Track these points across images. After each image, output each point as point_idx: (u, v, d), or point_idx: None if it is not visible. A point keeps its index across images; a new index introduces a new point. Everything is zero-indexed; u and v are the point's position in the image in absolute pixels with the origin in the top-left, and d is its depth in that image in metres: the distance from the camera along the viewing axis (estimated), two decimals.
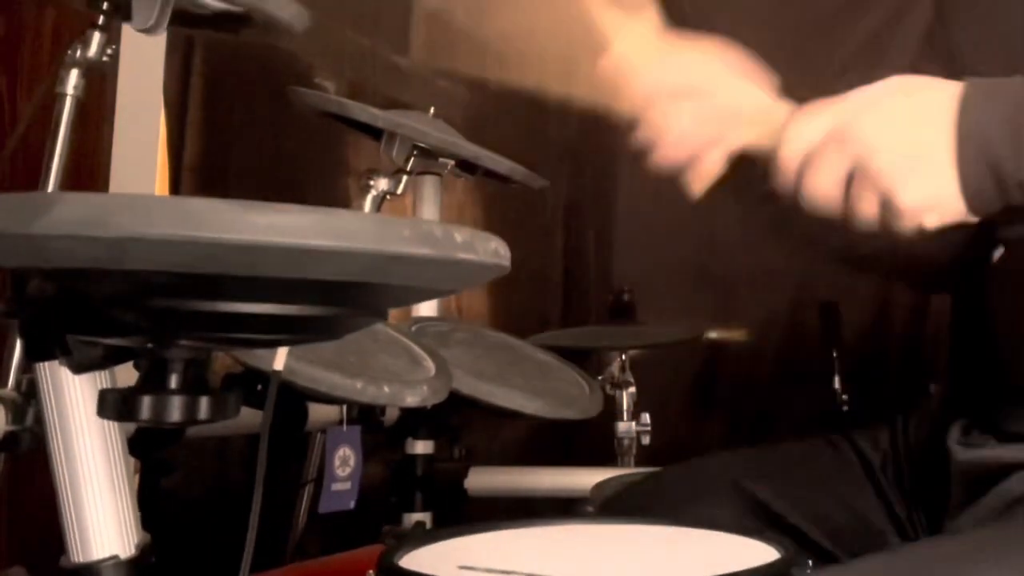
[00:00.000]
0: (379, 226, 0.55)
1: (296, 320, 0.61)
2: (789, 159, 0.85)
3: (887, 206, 0.81)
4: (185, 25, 1.21)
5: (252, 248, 0.51)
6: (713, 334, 2.69)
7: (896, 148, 0.81)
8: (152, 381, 0.69)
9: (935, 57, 1.04)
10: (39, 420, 0.85)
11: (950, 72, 0.86)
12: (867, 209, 0.82)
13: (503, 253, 0.61)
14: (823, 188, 0.83)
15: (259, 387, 1.12)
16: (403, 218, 0.56)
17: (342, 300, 0.62)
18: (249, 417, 0.90)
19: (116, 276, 0.55)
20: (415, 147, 1.59)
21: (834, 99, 0.85)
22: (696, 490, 1.10)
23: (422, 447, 1.71)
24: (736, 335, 2.73)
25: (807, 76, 1.02)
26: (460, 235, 0.57)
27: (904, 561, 0.83)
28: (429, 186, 1.97)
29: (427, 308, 1.89)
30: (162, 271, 0.54)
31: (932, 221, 0.82)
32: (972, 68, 0.90)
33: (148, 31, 1.09)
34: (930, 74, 0.87)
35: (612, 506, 1.21)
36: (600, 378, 2.12)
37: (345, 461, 1.50)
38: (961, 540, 0.88)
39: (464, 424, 1.79)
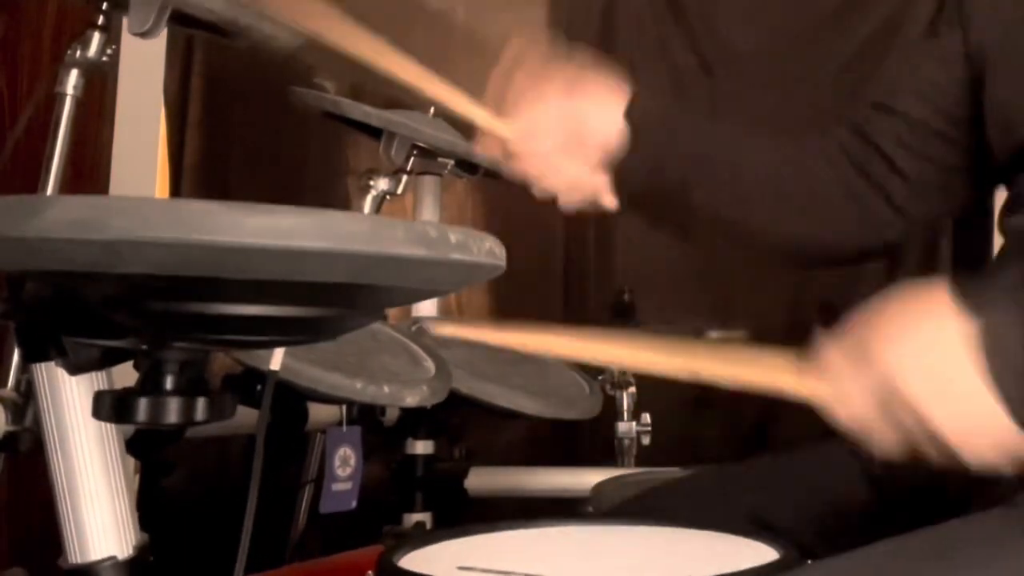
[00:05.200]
0: (373, 227, 0.55)
1: (291, 321, 0.61)
2: (850, 422, 0.84)
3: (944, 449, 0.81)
4: (183, 26, 1.21)
5: (246, 250, 0.51)
6: (713, 334, 2.69)
7: (938, 389, 0.80)
8: (149, 382, 0.69)
9: (950, 28, 1.04)
10: (38, 420, 0.85)
11: (964, 43, 0.91)
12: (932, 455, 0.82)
13: (498, 252, 0.61)
14: (892, 444, 0.83)
15: (258, 387, 1.13)
16: (397, 219, 0.56)
17: (337, 301, 0.62)
18: (250, 417, 0.90)
19: (111, 278, 0.55)
20: (414, 147, 1.59)
21: (854, 340, 0.84)
22: (693, 507, 1.09)
23: (422, 447, 1.71)
24: (736, 335, 2.73)
25: (813, 65, 1.02)
26: (455, 235, 0.57)
27: (900, 555, 0.82)
28: (429, 186, 1.97)
29: (427, 308, 1.89)
30: (157, 273, 0.54)
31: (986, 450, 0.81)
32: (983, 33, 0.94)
33: (144, 35, 1.10)
34: (946, 42, 0.96)
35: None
36: (600, 378, 2.12)
37: (345, 461, 1.50)
38: (956, 532, 0.88)
39: (464, 424, 1.79)
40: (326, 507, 1.49)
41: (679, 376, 0.87)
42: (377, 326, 1.41)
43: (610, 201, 1.08)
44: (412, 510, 1.70)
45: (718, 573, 0.77)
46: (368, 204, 1.67)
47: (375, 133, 1.63)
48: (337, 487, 1.49)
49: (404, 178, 1.67)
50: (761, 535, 0.90)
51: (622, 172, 1.06)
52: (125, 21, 1.16)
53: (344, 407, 1.51)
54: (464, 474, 1.79)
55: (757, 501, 1.05)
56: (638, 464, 2.12)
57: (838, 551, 0.91)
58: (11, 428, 1.08)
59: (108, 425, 0.83)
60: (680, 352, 0.89)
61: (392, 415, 1.67)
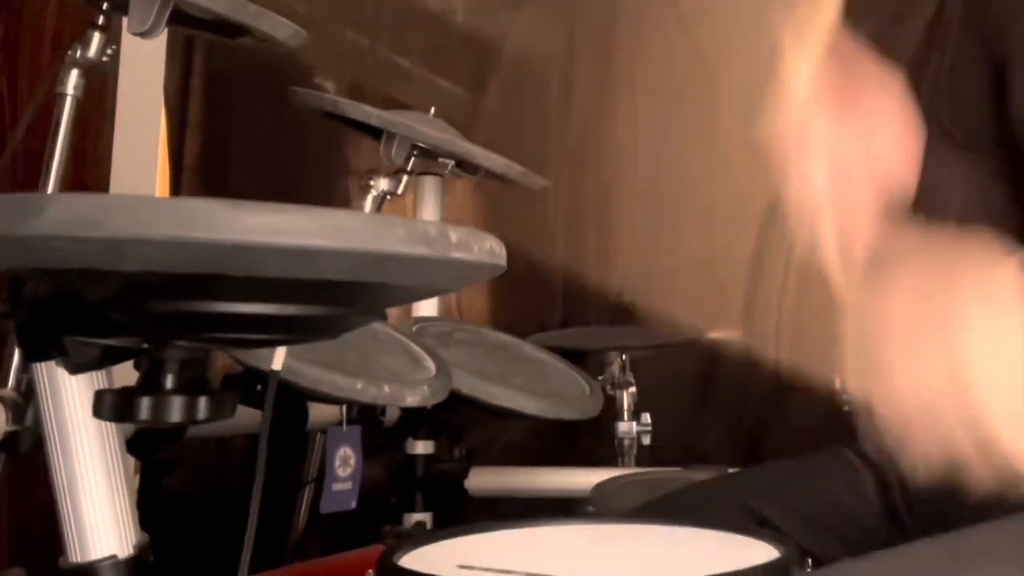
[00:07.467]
0: (374, 225, 0.55)
1: (292, 320, 0.61)
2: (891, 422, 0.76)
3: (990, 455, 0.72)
4: (183, 26, 1.22)
5: (246, 248, 0.51)
6: (713, 334, 2.69)
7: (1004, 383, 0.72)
8: (149, 381, 0.69)
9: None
10: (39, 420, 0.85)
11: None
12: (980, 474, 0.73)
13: (499, 252, 0.61)
14: (930, 454, 0.74)
15: (259, 387, 1.13)
16: (398, 217, 0.56)
17: (338, 300, 0.62)
18: (250, 417, 0.90)
19: (111, 277, 0.55)
20: (414, 147, 1.59)
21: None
22: (698, 510, 1.08)
23: (422, 447, 1.71)
24: (736, 335, 2.73)
25: None
26: (455, 234, 0.57)
27: (904, 559, 0.82)
28: (429, 186, 1.97)
29: (427, 308, 1.89)
30: (157, 272, 0.54)
31: None
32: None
33: (144, 34, 1.10)
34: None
35: None
36: (600, 378, 2.12)
37: (346, 461, 1.50)
38: (962, 538, 0.87)
39: (464, 424, 1.79)
40: (326, 507, 1.49)
41: None
42: (377, 326, 1.41)
43: None
44: (412, 510, 1.70)
45: (718, 573, 0.77)
46: (368, 204, 1.68)
47: (375, 133, 1.63)
48: (337, 487, 1.49)
49: (404, 178, 1.67)
50: (763, 534, 0.90)
51: None
52: (125, 21, 1.16)
53: (344, 407, 1.51)
54: (464, 474, 1.79)
55: (764, 505, 1.04)
56: (638, 464, 2.12)
57: (848, 556, 0.90)
58: (11, 428, 1.08)
59: (108, 424, 0.83)
60: None
61: (392, 415, 1.67)
